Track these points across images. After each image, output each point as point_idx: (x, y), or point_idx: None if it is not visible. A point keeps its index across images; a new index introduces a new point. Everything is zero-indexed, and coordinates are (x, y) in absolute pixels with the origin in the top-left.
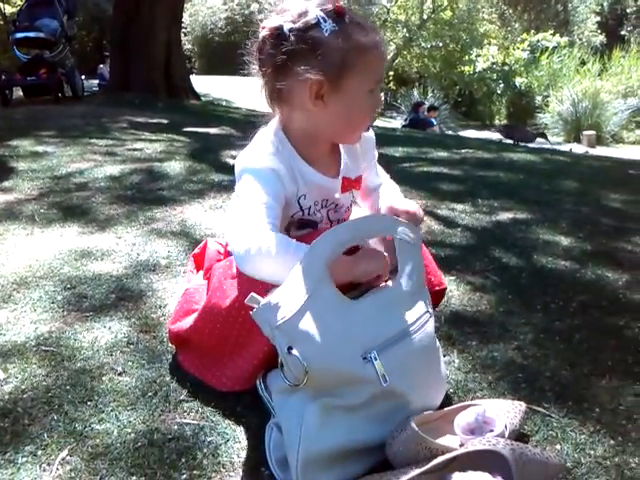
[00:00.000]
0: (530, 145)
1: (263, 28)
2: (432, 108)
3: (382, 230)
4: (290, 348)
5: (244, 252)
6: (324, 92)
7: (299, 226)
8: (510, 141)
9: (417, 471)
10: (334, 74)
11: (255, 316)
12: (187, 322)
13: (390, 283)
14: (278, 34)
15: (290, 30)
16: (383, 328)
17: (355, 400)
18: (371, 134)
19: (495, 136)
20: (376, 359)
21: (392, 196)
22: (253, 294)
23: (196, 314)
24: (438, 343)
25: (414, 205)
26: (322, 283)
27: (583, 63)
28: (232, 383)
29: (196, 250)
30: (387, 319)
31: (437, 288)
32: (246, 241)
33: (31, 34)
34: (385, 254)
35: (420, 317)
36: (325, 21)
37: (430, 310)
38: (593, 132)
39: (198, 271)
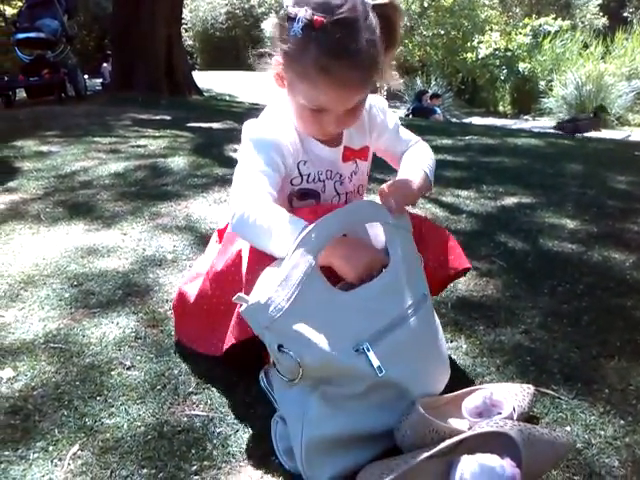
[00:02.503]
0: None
1: None
2: (435, 95)
3: (369, 217)
4: (281, 346)
5: (232, 215)
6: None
7: (300, 196)
8: (579, 135)
9: (425, 454)
10: (286, 66)
11: (244, 314)
12: (192, 286)
13: (382, 270)
14: (276, 13)
15: (286, 7)
16: (376, 318)
17: (354, 389)
18: (382, 102)
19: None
20: (369, 350)
21: (402, 171)
22: (240, 294)
23: (201, 278)
24: (438, 324)
25: (400, 190)
26: (311, 278)
27: (586, 46)
28: (222, 343)
29: (221, 225)
30: (379, 308)
31: (461, 267)
32: (236, 205)
33: (32, 35)
34: (376, 248)
35: (414, 301)
36: (297, 22)
37: (426, 292)
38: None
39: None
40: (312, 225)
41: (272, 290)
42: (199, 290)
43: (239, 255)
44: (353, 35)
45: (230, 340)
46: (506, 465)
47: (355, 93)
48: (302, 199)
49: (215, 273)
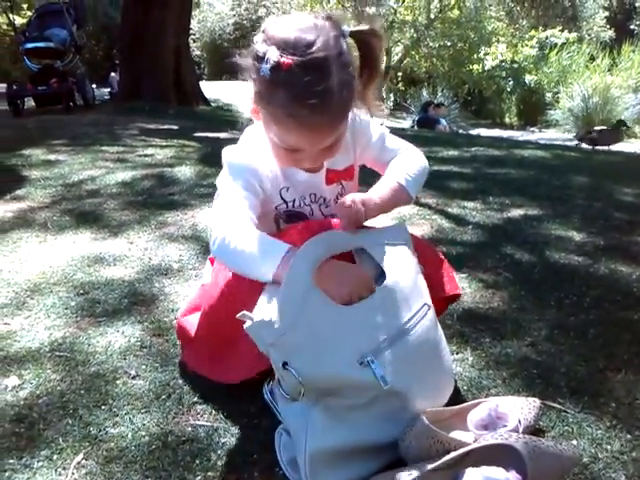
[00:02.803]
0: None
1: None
2: (437, 105)
3: (359, 241)
4: (285, 364)
5: (213, 242)
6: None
7: (287, 218)
8: (602, 147)
9: (430, 467)
10: (258, 105)
11: (248, 331)
12: (194, 318)
13: (383, 284)
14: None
15: (255, 44)
16: (378, 330)
17: (358, 400)
18: (364, 115)
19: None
20: (373, 362)
21: (378, 183)
22: (244, 312)
23: (197, 313)
24: (441, 334)
25: (353, 208)
26: (310, 294)
27: (592, 58)
28: (236, 374)
29: None
30: (382, 320)
31: (451, 293)
32: (216, 231)
33: (41, 44)
34: (363, 272)
35: (417, 312)
36: (266, 63)
37: (428, 302)
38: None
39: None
40: (308, 241)
41: (275, 308)
42: (198, 324)
43: (229, 285)
44: (323, 77)
45: (249, 373)
46: (511, 478)
47: (327, 136)
48: (289, 221)
49: (211, 306)
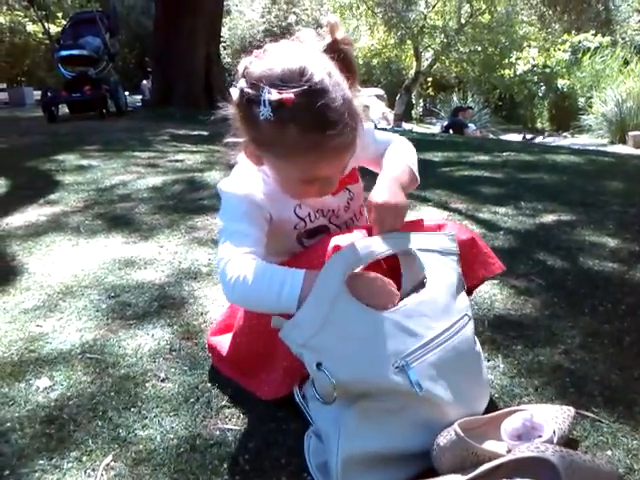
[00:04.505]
0: None
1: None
2: (461, 109)
3: (399, 246)
4: (319, 364)
5: (226, 283)
6: (259, 155)
7: (309, 235)
8: None
9: (463, 478)
10: (263, 150)
11: (282, 337)
12: (224, 338)
13: (423, 291)
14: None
15: (242, 91)
16: (415, 337)
17: (393, 405)
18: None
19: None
20: (408, 367)
21: (383, 172)
22: (276, 316)
23: (229, 335)
24: (479, 346)
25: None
26: (341, 298)
27: (626, 63)
28: (271, 391)
29: None
30: (419, 327)
31: (493, 274)
32: (226, 271)
33: (75, 52)
34: (391, 288)
35: (457, 322)
36: (265, 105)
37: (469, 313)
38: (639, 132)
39: None
40: (345, 246)
41: (307, 310)
42: (230, 346)
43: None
44: (328, 99)
45: (280, 390)
46: None
47: (348, 155)
48: (311, 236)
49: (240, 327)
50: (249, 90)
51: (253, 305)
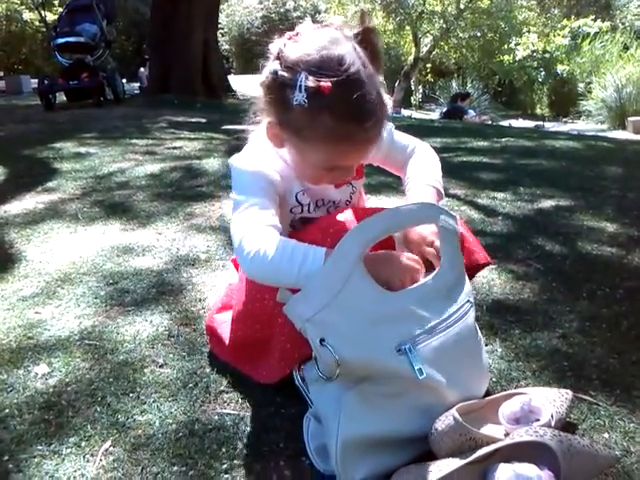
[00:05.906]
0: None
1: (288, 37)
2: (461, 95)
3: (418, 220)
4: (322, 340)
5: (244, 257)
6: (282, 137)
7: (302, 224)
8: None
9: (461, 462)
10: (290, 133)
11: (287, 312)
12: (222, 317)
13: (431, 274)
14: (275, 58)
15: (275, 73)
16: (420, 320)
17: (393, 389)
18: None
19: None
20: (411, 351)
21: (412, 192)
22: (283, 290)
23: (231, 311)
24: (480, 334)
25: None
26: (355, 275)
27: (626, 48)
28: (269, 375)
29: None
30: (425, 311)
31: (482, 262)
32: (244, 245)
33: (71, 39)
34: (416, 258)
35: (460, 308)
36: (300, 91)
37: (471, 299)
38: (638, 118)
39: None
40: (365, 220)
41: (315, 286)
42: (232, 325)
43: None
44: (364, 91)
45: (283, 371)
46: (544, 476)
47: (376, 146)
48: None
49: (237, 313)
50: (284, 73)
51: (271, 280)
